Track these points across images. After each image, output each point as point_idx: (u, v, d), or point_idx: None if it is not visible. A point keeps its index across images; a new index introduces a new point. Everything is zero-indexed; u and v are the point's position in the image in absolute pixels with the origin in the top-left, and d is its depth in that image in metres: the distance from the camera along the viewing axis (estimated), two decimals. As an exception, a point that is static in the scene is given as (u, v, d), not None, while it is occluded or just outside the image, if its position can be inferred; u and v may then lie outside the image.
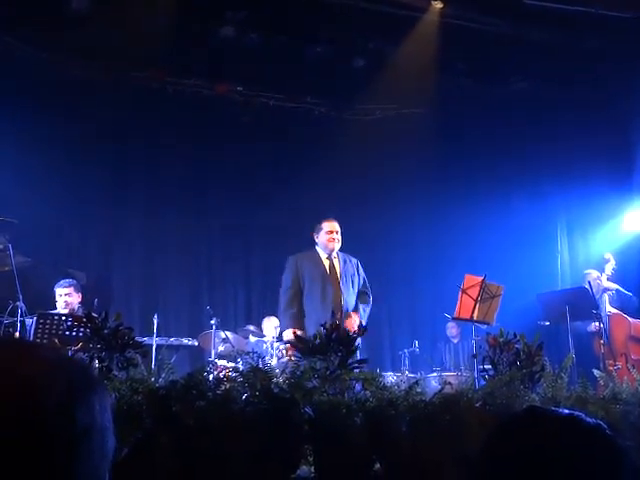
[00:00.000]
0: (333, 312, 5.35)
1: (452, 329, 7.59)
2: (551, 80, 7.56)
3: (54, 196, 6.95)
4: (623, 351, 6.32)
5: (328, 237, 5.70)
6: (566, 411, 1.25)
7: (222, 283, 8.19)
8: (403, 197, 8.06)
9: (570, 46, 7.18)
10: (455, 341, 7.64)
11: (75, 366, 0.80)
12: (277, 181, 7.88)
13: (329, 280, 5.61)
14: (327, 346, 3.42)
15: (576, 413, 1.24)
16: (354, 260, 5.86)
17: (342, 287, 5.59)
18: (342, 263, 5.74)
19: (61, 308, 5.84)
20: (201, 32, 7.07)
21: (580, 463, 1.16)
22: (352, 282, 5.70)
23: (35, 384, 0.73)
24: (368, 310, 5.74)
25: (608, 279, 6.77)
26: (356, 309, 5.63)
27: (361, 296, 5.75)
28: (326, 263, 5.72)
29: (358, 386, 3.51)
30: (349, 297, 5.61)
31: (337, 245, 5.71)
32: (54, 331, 4.86)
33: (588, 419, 1.22)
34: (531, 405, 1.30)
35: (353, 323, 5.24)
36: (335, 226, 5.75)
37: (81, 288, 6.07)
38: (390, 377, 5.85)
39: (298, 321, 5.48)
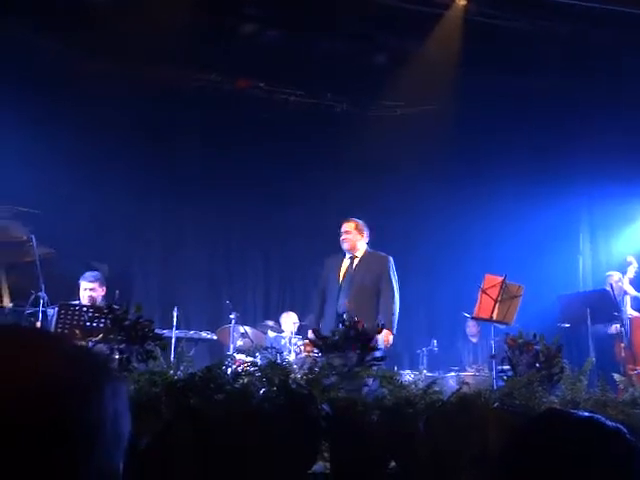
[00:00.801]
0: (338, 314, 5.40)
1: (472, 327, 7.53)
2: (575, 76, 7.47)
3: (76, 189, 7.03)
4: (644, 355, 6.25)
5: (341, 238, 5.77)
6: (586, 413, 1.25)
7: (241, 278, 8.23)
8: (424, 195, 8.02)
9: (597, 42, 7.10)
10: (474, 340, 7.59)
11: (90, 356, 0.81)
12: (297, 178, 7.88)
13: (340, 282, 5.63)
14: (345, 343, 3.43)
15: (596, 416, 1.23)
16: (378, 256, 5.76)
17: (349, 288, 5.56)
18: (358, 263, 5.71)
19: (85, 301, 5.90)
20: (221, 28, 7.09)
21: (599, 465, 1.15)
22: (364, 282, 5.60)
23: (51, 375, 0.74)
24: (390, 309, 5.50)
25: (630, 282, 6.69)
26: (377, 310, 5.48)
27: (382, 293, 5.56)
28: (345, 264, 5.73)
29: (374, 384, 3.51)
30: (357, 298, 5.48)
31: (347, 244, 5.71)
32: (75, 322, 4.90)
33: (608, 422, 1.21)
34: (551, 407, 1.30)
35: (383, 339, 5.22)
36: (345, 226, 5.77)
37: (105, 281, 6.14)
38: (408, 376, 5.84)
39: (317, 322, 5.60)
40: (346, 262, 5.73)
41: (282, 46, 7.28)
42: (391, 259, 5.75)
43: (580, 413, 1.25)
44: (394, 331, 5.47)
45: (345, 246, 5.74)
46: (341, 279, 5.64)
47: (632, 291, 6.67)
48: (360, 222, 5.86)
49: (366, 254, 5.77)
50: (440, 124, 7.56)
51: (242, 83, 7.97)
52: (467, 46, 6.99)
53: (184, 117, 7.73)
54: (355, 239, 5.74)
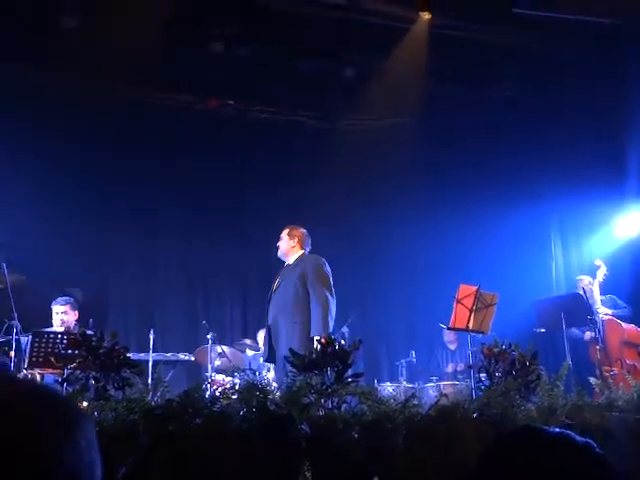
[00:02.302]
0: (268, 324, 5.40)
1: (449, 334, 7.53)
2: (542, 87, 7.62)
3: (49, 213, 6.94)
4: (618, 357, 6.34)
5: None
6: (557, 430, 1.27)
7: (218, 297, 8.18)
8: (397, 207, 8.07)
9: (560, 53, 7.25)
10: (452, 347, 7.61)
11: (57, 402, 0.78)
12: (271, 195, 7.88)
13: (272, 291, 5.53)
14: (322, 361, 3.43)
15: (566, 432, 1.25)
16: (306, 258, 5.51)
17: (273, 297, 5.46)
18: (287, 269, 5.55)
19: (57, 326, 5.82)
20: (191, 47, 7.10)
21: (570, 480, 1.17)
22: (287, 287, 5.39)
23: (16, 428, 0.72)
24: (320, 316, 5.15)
25: (600, 285, 6.79)
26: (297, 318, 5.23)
27: (312, 297, 5.26)
28: (280, 273, 5.63)
29: (354, 400, 3.51)
30: (279, 306, 5.36)
31: (279, 251, 5.63)
32: (50, 349, 4.84)
33: (578, 438, 1.23)
34: (525, 424, 1.32)
35: None
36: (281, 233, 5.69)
37: (78, 305, 6.06)
38: (388, 388, 5.85)
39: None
40: (281, 271, 5.63)
41: (251, 64, 7.31)
42: (320, 259, 5.43)
43: (551, 430, 1.27)
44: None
45: (278, 253, 5.65)
46: (274, 288, 5.51)
47: (597, 296, 6.74)
48: (298, 229, 5.64)
49: (297, 259, 5.53)
50: (411, 135, 7.64)
51: (212, 103, 7.98)
52: (434, 59, 7.08)
53: (155, 137, 7.69)
54: (287, 245, 5.58)
